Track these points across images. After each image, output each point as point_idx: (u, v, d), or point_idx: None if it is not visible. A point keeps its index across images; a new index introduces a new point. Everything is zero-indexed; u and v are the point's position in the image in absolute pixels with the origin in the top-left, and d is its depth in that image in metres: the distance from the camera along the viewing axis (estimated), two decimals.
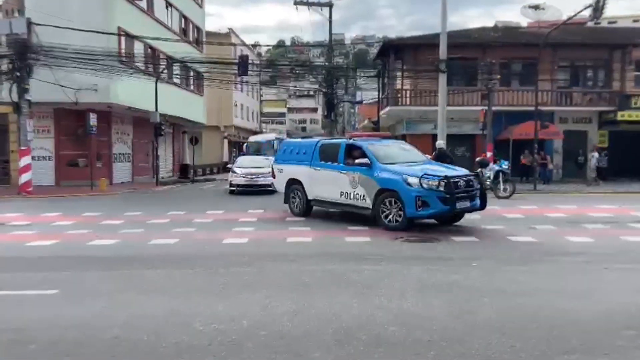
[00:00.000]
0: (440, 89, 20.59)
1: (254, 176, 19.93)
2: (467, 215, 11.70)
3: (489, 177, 17.46)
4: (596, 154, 23.88)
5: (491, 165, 17.95)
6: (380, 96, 26.04)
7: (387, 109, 26.94)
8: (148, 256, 8.60)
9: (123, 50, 23.90)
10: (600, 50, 26.03)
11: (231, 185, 20.49)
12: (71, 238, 10.41)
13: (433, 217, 10.93)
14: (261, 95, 62.47)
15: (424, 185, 10.12)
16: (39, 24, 19.71)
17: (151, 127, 26.77)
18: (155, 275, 7.23)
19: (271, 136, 36.60)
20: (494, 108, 22.21)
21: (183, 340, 4.65)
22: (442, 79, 20.44)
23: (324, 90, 27.63)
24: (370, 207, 10.99)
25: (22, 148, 20.25)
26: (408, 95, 25.93)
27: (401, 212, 10.39)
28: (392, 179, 10.60)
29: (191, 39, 34.20)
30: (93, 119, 21.80)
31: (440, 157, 18.02)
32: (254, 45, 57.13)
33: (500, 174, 17.22)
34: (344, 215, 12.55)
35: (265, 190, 19.25)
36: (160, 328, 4.97)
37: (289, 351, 4.37)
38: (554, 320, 5.09)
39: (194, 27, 35.03)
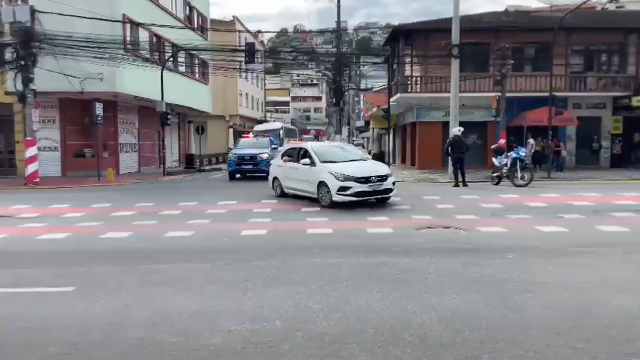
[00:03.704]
0: (453, 75, 20.06)
1: (375, 178, 12.34)
2: (489, 204, 11.27)
3: (505, 165, 17.02)
4: (532, 141, 22.55)
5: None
6: (390, 83, 25.49)
7: (397, 96, 26.43)
8: (165, 249, 8.27)
9: (128, 38, 23.46)
10: (615, 34, 25.40)
11: (341, 190, 12.16)
12: (83, 230, 10.09)
13: None
14: (264, 84, 61.73)
15: None
16: (43, 12, 19.32)
17: (157, 117, 26.34)
18: (175, 269, 6.87)
19: (277, 125, 36.04)
20: (506, 94, 21.71)
21: (214, 342, 4.33)
22: (455, 64, 19.91)
23: (331, 77, 27.06)
24: None
25: (28, 138, 19.91)
26: (418, 82, 25.44)
27: None
28: None
29: (196, 26, 33.69)
30: (99, 109, 21.41)
31: (456, 145, 17.58)
32: (257, 32, 56.06)
33: (518, 162, 16.71)
34: (361, 204, 12.24)
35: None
36: (188, 328, 4.65)
37: (331, 354, 4.03)
38: (609, 318, 4.73)
39: (198, 15, 34.50)
